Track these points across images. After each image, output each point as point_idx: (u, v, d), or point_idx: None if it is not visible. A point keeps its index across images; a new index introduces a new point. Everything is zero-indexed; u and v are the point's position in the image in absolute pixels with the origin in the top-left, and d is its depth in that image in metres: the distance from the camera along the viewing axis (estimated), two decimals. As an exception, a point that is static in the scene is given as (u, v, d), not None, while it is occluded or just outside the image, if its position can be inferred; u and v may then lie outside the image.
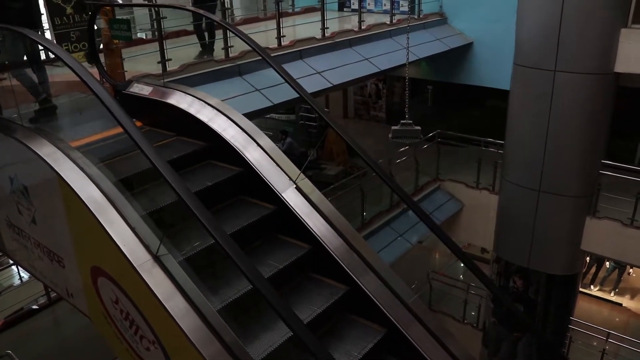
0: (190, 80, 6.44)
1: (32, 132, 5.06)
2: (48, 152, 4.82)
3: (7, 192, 5.51)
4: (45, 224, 5.33)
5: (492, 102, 10.17)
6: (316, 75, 7.70)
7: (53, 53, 5.38)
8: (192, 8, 8.44)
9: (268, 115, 12.87)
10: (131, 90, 6.02)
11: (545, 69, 8.35)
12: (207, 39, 7.93)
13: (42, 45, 5.49)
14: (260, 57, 5.21)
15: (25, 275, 9.29)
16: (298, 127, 14.80)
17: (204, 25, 7.84)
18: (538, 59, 8.44)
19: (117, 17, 6.23)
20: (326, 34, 8.65)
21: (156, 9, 7.06)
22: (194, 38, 8.34)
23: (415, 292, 4.50)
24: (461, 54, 10.29)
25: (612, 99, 8.47)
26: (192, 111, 5.42)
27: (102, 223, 4.30)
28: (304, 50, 8.08)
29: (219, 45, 7.24)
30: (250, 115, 5.90)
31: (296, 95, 4.96)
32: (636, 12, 8.06)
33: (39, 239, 5.51)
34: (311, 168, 12.61)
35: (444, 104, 14.76)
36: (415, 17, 10.38)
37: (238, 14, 10.77)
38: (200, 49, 7.88)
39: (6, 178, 5.52)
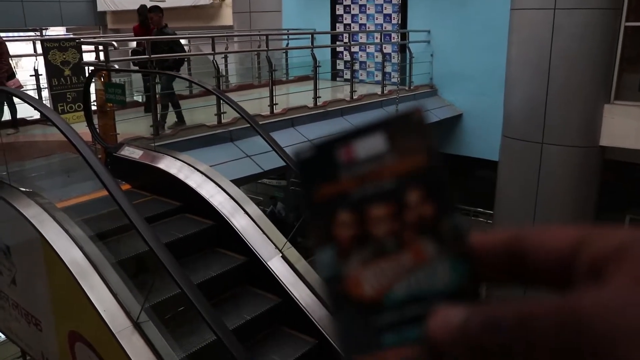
0: (182, 145, 6.51)
1: (17, 191, 5.06)
2: (33, 212, 4.82)
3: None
4: (25, 285, 5.25)
5: (482, 172, 10.32)
6: (307, 143, 7.82)
7: (43, 114, 5.47)
8: (187, 77, 8.65)
9: (259, 181, 12.98)
10: (122, 153, 6.08)
11: (532, 142, 8.52)
12: (169, 109, 7.74)
13: (33, 105, 5.57)
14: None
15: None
16: (289, 193, 14.93)
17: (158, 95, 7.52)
18: (525, 132, 8.62)
19: (112, 82, 6.35)
20: (318, 103, 8.84)
21: (151, 74, 7.20)
22: (188, 103, 8.48)
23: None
24: (451, 125, 10.52)
25: (599, 171, 8.62)
26: (181, 177, 5.46)
27: (83, 287, 4.26)
28: (296, 118, 8.23)
29: (212, 111, 7.35)
30: (240, 181, 5.94)
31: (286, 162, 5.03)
32: (618, 89, 8.34)
33: (17, 300, 5.41)
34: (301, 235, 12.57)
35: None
36: (406, 88, 10.66)
37: (233, 80, 11.02)
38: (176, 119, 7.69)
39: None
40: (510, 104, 8.91)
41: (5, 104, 7.79)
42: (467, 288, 0.35)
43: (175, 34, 8.12)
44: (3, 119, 7.78)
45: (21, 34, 13.05)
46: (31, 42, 9.70)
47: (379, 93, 10.22)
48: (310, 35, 9.87)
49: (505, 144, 9.03)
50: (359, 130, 0.38)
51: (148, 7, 8.50)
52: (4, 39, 8.13)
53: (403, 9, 11.09)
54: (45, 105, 6.33)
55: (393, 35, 11.35)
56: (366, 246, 0.37)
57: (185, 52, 8.94)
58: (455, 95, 10.43)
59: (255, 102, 8.21)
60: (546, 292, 0.32)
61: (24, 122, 7.99)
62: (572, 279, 0.33)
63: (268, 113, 8.07)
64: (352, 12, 11.91)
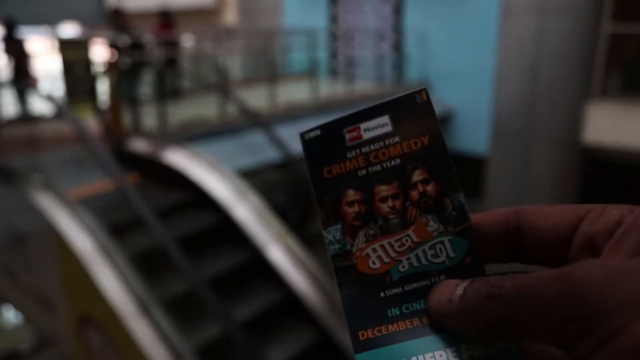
0: (187, 137, 6.75)
1: (30, 181, 5.37)
2: (45, 201, 5.13)
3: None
4: (39, 270, 5.57)
5: (471, 167, 10.58)
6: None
7: (59, 109, 5.80)
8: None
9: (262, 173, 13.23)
10: (130, 145, 6.39)
11: (520, 138, 8.85)
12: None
13: (47, 99, 5.88)
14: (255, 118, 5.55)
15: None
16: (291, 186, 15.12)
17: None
18: (514, 128, 8.94)
19: (121, 78, 6.65)
20: (317, 99, 9.12)
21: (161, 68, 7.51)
22: (198, 97, 8.75)
23: None
24: (443, 121, 10.79)
25: (583, 167, 8.92)
26: (184, 167, 5.76)
27: (92, 273, 4.56)
28: (297, 112, 8.51)
29: (218, 105, 7.62)
30: (243, 173, 6.19)
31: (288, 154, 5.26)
32: (603, 88, 8.62)
33: (31, 284, 5.73)
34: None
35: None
36: (401, 86, 10.94)
37: (237, 76, 11.23)
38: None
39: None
40: (499, 101, 9.21)
41: (19, 98, 8.10)
42: (469, 264, 0.37)
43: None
44: (16, 113, 8.09)
45: (33, 28, 13.35)
46: (44, 38, 10.00)
47: (375, 89, 10.49)
48: (309, 34, 10.12)
49: (494, 140, 9.34)
50: (364, 111, 0.40)
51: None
52: (23, 33, 8.48)
53: (399, 8, 11.33)
54: (58, 99, 6.62)
55: (389, 33, 11.59)
56: (372, 223, 0.38)
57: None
58: (448, 91, 10.68)
59: (257, 97, 8.47)
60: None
61: (37, 115, 8.29)
62: (570, 255, 0.34)
63: (269, 108, 8.35)
64: (350, 11, 12.13)
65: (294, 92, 9.23)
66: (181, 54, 8.47)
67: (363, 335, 0.36)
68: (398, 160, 0.39)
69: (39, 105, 8.12)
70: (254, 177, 6.48)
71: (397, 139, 0.39)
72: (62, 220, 5.01)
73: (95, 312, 4.82)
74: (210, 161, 5.83)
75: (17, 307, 6.78)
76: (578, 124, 8.52)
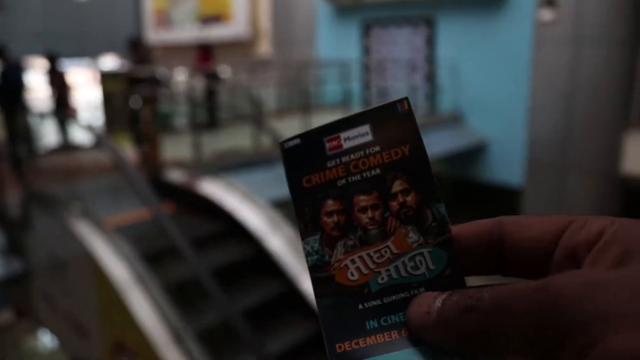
0: (223, 168, 6.84)
1: (69, 209, 5.51)
2: (83, 230, 5.26)
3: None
4: (76, 297, 5.68)
5: (505, 198, 10.44)
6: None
7: (99, 139, 5.97)
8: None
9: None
10: (166, 175, 6.52)
11: (556, 168, 8.73)
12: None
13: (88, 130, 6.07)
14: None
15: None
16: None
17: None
18: (549, 159, 8.83)
19: (160, 111, 6.83)
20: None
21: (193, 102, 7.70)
22: (233, 128, 8.90)
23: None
24: (476, 152, 10.73)
25: (621, 198, 8.72)
26: (219, 197, 5.84)
27: (127, 301, 4.64)
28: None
29: (251, 135, 7.74)
30: (278, 202, 6.23)
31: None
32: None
33: (68, 310, 5.84)
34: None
35: (457, 200, 15.03)
36: (434, 116, 10.94)
37: (271, 106, 11.37)
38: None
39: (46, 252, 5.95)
40: (534, 132, 9.13)
41: (60, 128, 8.37)
42: (448, 276, 0.36)
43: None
44: (56, 142, 8.36)
45: (75, 60, 13.86)
46: (85, 70, 10.36)
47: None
48: (342, 66, 10.26)
49: (529, 171, 9.23)
50: (345, 120, 0.39)
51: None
52: (65, 66, 8.81)
53: (431, 39, 11.41)
54: (97, 129, 6.82)
55: (421, 64, 11.66)
56: (351, 234, 0.38)
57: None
58: (481, 122, 10.64)
59: (290, 128, 8.58)
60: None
61: (77, 144, 8.55)
62: (552, 267, 0.33)
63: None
64: (382, 42, 12.25)
65: (327, 121, 9.30)
66: (219, 85, 8.66)
67: (340, 347, 0.36)
68: (378, 170, 0.38)
69: (78, 135, 8.38)
70: (288, 208, 6.52)
71: (377, 148, 0.39)
72: (99, 248, 5.12)
73: (129, 340, 4.87)
74: (244, 192, 5.90)
75: (54, 331, 6.89)
76: (615, 155, 8.38)
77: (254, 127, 7.51)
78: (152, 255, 5.21)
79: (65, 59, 9.44)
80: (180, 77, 10.95)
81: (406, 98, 0.39)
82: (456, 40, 10.89)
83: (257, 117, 7.71)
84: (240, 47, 14.84)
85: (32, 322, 9.06)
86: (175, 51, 16.61)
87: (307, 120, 8.58)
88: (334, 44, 12.63)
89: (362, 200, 0.38)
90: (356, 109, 10.91)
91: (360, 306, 0.37)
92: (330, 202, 0.38)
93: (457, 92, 10.88)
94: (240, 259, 5.51)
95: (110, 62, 16.88)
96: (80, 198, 5.95)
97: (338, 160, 0.39)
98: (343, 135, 0.39)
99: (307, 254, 0.38)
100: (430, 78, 11.38)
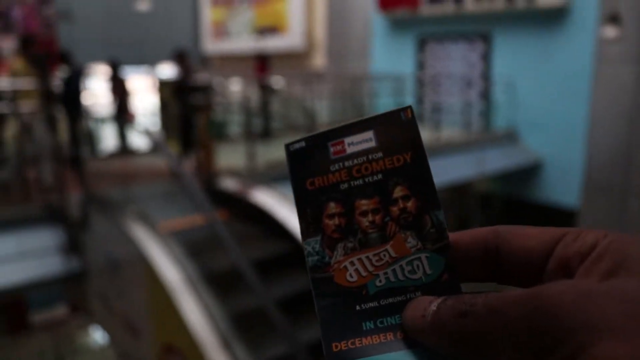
0: (275, 177, 6.90)
1: (125, 213, 5.67)
2: (138, 233, 5.40)
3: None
4: (129, 297, 5.83)
5: (559, 220, 10.15)
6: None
7: (156, 145, 6.14)
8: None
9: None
10: (220, 183, 6.64)
11: (615, 191, 8.44)
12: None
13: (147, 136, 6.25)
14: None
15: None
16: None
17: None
18: (608, 181, 8.55)
19: (214, 119, 6.97)
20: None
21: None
22: (286, 138, 8.97)
23: None
24: (530, 171, 10.49)
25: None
26: (270, 207, 5.90)
27: (178, 304, 4.73)
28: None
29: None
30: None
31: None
32: None
33: (121, 310, 5.99)
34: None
35: (509, 219, 14.70)
36: (488, 133, 10.77)
37: (324, 118, 11.40)
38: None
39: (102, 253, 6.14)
40: (592, 152, 8.87)
41: (119, 133, 8.66)
42: (445, 281, 0.37)
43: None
44: (115, 147, 8.65)
45: (135, 67, 14.35)
46: (144, 77, 10.69)
47: (461, 137, 10.37)
48: (396, 80, 10.23)
49: (586, 192, 8.96)
50: (349, 125, 0.41)
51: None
52: (125, 73, 9.13)
53: (487, 55, 11.26)
54: (155, 135, 7.01)
55: (476, 80, 11.52)
56: (351, 236, 0.39)
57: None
58: (536, 141, 10.41)
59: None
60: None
61: (135, 149, 8.81)
62: (545, 276, 0.34)
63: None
64: (437, 57, 12.17)
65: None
66: (272, 96, 8.79)
67: (337, 346, 0.37)
68: (380, 176, 0.39)
69: (136, 140, 8.64)
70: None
71: (380, 154, 0.40)
72: (153, 251, 5.24)
73: (179, 343, 4.96)
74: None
75: (106, 329, 7.08)
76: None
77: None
78: (205, 261, 5.29)
79: (125, 66, 9.77)
80: (235, 86, 11.16)
81: (410, 107, 0.40)
82: (513, 56, 10.72)
83: (310, 128, 7.76)
84: (294, 59, 15.01)
85: (85, 318, 9.35)
86: (231, 61, 16.95)
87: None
88: (388, 57, 12.63)
89: (364, 204, 0.39)
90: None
91: (358, 307, 0.37)
92: (332, 204, 0.39)
93: (513, 110, 10.69)
94: (293, 271, 5.53)
95: (167, 70, 17.32)
96: (136, 201, 6.12)
97: (341, 164, 0.40)
98: (347, 140, 0.40)
99: (308, 255, 0.39)
100: (485, 94, 11.22)
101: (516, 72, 10.64)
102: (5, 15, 13.07)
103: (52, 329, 9.91)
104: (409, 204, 0.38)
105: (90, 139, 8.44)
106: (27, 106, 7.02)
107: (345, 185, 0.39)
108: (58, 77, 8.11)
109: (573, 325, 0.27)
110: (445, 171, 9.01)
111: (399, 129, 0.40)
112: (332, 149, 0.40)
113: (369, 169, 0.39)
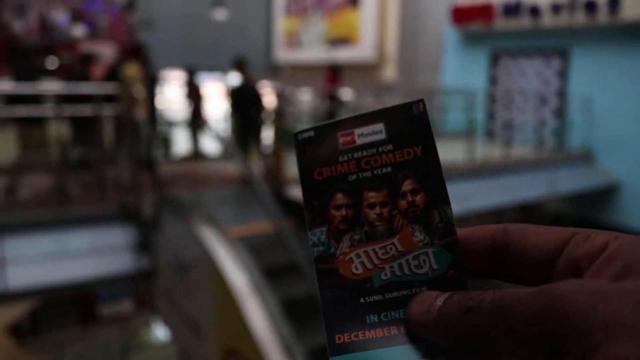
0: None
1: (195, 216, 5.83)
2: (207, 237, 5.53)
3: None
4: (196, 299, 5.97)
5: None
6: (458, 199, 7.86)
7: (228, 150, 6.28)
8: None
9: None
10: (288, 191, 6.72)
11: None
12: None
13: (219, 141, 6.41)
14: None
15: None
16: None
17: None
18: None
19: (285, 129, 7.08)
20: (473, 160, 8.93)
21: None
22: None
23: None
24: (606, 193, 10.07)
25: None
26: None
27: (242, 309, 4.80)
28: (450, 173, 8.32)
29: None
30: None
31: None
32: None
33: (188, 310, 6.15)
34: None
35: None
36: (561, 152, 10.42)
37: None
38: None
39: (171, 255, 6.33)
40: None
41: (192, 137, 8.94)
42: (451, 277, 0.36)
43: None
44: (187, 150, 8.93)
45: (208, 74, 14.79)
46: (216, 83, 10.99)
47: (533, 156, 10.09)
48: (468, 95, 10.07)
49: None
50: (360, 117, 0.40)
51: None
52: (200, 79, 9.44)
53: (564, 72, 10.93)
54: (227, 140, 7.18)
55: (551, 97, 11.19)
56: (358, 228, 0.38)
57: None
58: (614, 163, 9.99)
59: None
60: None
61: (206, 154, 9.06)
62: (553, 277, 0.34)
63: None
64: (511, 73, 11.92)
65: (448, 152, 9.13)
66: (342, 107, 8.84)
67: (340, 339, 0.36)
68: (389, 168, 0.39)
69: (208, 145, 8.89)
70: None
71: (390, 147, 0.39)
72: (221, 255, 5.35)
73: (242, 347, 5.03)
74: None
75: (170, 327, 7.28)
76: None
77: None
78: (271, 267, 5.36)
79: (200, 73, 10.08)
80: (305, 96, 11.30)
81: (422, 100, 0.40)
82: (592, 73, 10.36)
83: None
84: (364, 70, 15.05)
85: (149, 314, 9.67)
86: (302, 71, 17.18)
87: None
88: (460, 71, 12.46)
89: (372, 196, 0.39)
90: (480, 139, 10.70)
91: (362, 300, 0.37)
92: (339, 195, 0.39)
93: (589, 129, 10.32)
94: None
95: (238, 77, 17.70)
96: (206, 205, 6.27)
97: (350, 155, 0.39)
98: (357, 131, 0.40)
99: (313, 245, 0.38)
100: (560, 112, 10.87)
101: (595, 89, 10.27)
102: (94, 23, 13.80)
103: (118, 322, 10.30)
104: (418, 198, 0.38)
105: (164, 142, 8.74)
106: (121, 110, 7.30)
107: (354, 177, 0.39)
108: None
109: (584, 324, 0.27)
110: (514, 190, 8.78)
111: (410, 122, 0.39)
112: (341, 140, 0.40)
113: (378, 161, 0.39)
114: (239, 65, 8.64)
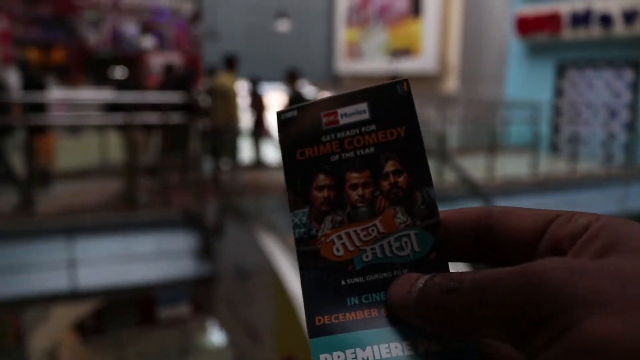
0: None
1: (256, 224, 5.91)
2: (268, 245, 5.60)
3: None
4: (255, 305, 6.04)
5: None
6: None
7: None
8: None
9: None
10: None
11: None
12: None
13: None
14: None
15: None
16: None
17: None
18: None
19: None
20: (537, 175, 8.72)
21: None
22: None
23: None
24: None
25: None
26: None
27: (302, 319, 4.82)
28: (513, 187, 8.19)
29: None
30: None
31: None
32: None
33: (247, 316, 6.24)
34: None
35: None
36: (632, 168, 10.00)
37: (453, 143, 11.16)
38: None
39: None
40: None
41: (254, 147, 9.10)
42: (433, 259, 0.36)
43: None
44: (250, 159, 9.09)
45: (270, 84, 15.05)
46: (277, 93, 11.18)
47: (601, 171, 9.74)
48: (532, 107, 9.85)
49: None
50: (343, 96, 0.40)
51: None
52: (263, 89, 9.63)
53: (636, 84, 10.51)
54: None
55: (621, 111, 10.78)
56: (339, 210, 0.38)
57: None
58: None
59: (472, 167, 8.39)
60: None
61: (268, 163, 9.21)
62: (536, 257, 0.33)
63: (485, 179, 8.18)
64: (578, 84, 11.56)
65: (511, 166, 8.94)
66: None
67: (319, 320, 0.36)
68: (372, 149, 0.38)
69: (270, 154, 9.02)
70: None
71: (373, 127, 0.38)
72: (282, 263, 5.40)
73: (300, 355, 5.04)
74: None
75: (227, 332, 7.40)
76: None
77: (437, 163, 7.47)
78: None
79: (263, 83, 10.26)
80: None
81: (406, 80, 0.39)
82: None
83: (441, 153, 7.67)
84: (426, 82, 14.92)
85: (206, 319, 9.87)
86: (363, 81, 17.20)
87: (490, 161, 8.34)
88: (524, 83, 12.18)
89: (354, 177, 0.38)
90: (544, 153, 10.43)
91: (343, 282, 0.37)
92: (321, 176, 0.38)
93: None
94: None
95: (289, 89, 17.95)
96: (268, 213, 6.35)
97: (333, 135, 0.39)
98: (340, 111, 0.39)
99: (295, 226, 0.38)
100: (632, 126, 10.45)
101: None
102: (160, 34, 14.29)
103: (176, 325, 10.56)
104: (400, 179, 0.38)
105: (233, 151, 8.93)
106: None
107: (336, 157, 0.38)
108: (199, 92, 8.68)
109: (564, 300, 0.27)
110: (580, 207, 8.46)
111: (394, 103, 0.39)
112: (324, 120, 0.39)
113: (361, 142, 0.38)
114: (291, 77, 8.74)
